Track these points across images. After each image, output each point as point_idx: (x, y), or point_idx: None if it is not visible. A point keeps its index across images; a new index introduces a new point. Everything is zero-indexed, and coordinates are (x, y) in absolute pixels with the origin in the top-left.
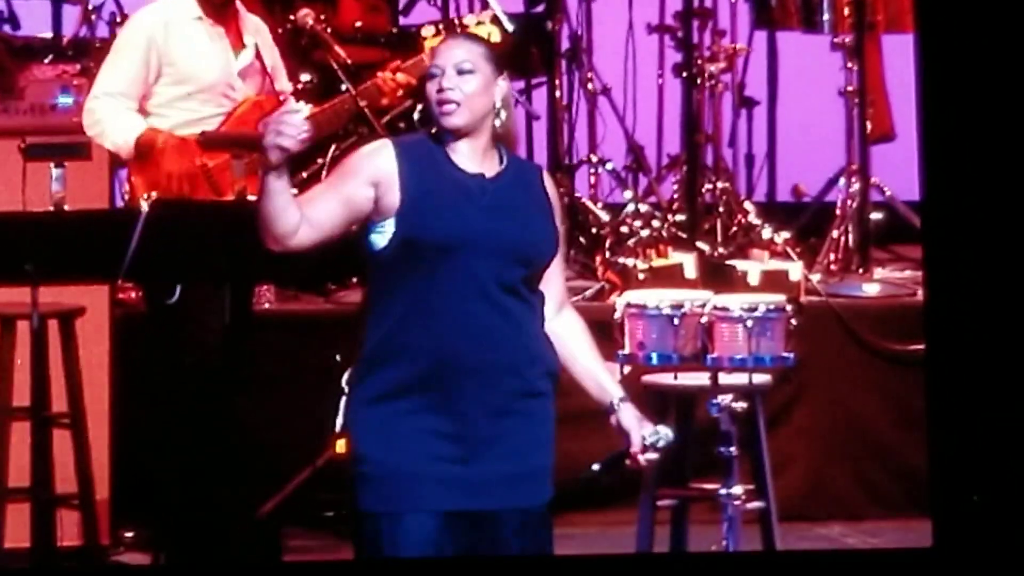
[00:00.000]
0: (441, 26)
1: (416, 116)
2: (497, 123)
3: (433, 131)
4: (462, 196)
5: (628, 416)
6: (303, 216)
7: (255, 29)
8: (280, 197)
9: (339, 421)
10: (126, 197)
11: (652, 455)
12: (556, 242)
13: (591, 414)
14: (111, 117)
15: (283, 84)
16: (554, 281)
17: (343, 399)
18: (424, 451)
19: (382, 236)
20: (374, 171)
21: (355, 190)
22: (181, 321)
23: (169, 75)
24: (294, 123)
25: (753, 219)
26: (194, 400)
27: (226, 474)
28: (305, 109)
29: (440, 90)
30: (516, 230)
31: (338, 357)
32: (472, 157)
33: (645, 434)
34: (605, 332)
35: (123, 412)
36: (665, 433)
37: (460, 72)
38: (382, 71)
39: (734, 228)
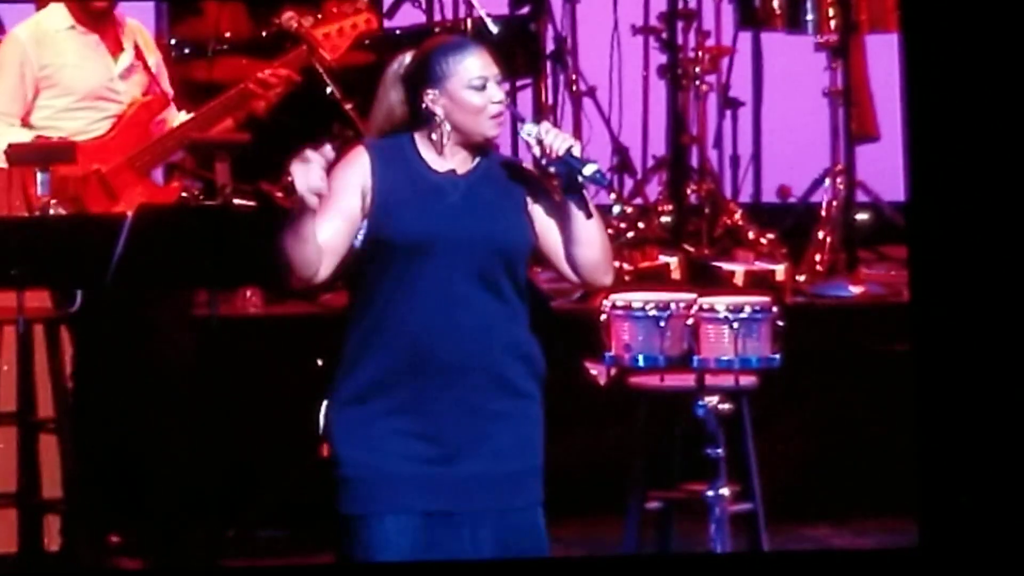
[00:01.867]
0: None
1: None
2: None
3: (412, 133)
4: (430, 194)
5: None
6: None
7: (134, 31)
8: (313, 243)
9: (321, 424)
10: (15, 204)
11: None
12: (530, 235)
13: (578, 416)
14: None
15: (165, 86)
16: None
17: (325, 402)
18: (402, 452)
19: (358, 239)
20: (358, 179)
21: (349, 203)
22: (155, 326)
23: (48, 88)
24: (314, 164)
25: (739, 220)
26: (164, 406)
27: (209, 476)
28: (317, 158)
29: (495, 102)
30: (486, 225)
31: (320, 362)
32: (452, 158)
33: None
34: (591, 334)
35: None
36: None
37: (497, 82)
38: (261, 69)
39: (720, 229)
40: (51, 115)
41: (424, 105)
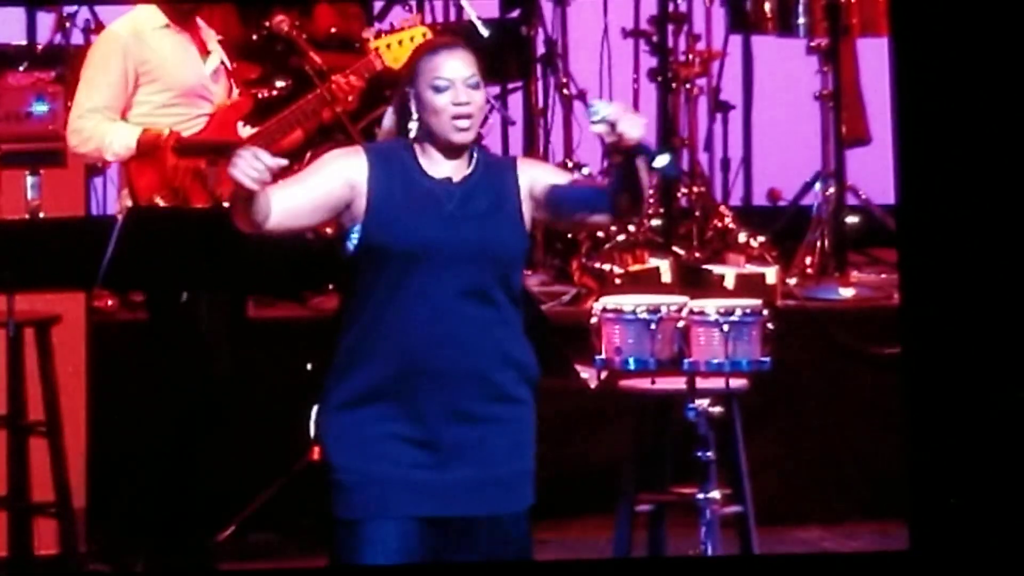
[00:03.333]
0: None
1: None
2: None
3: (410, 138)
4: (428, 203)
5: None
6: (276, 205)
7: (212, 36)
8: (256, 207)
9: (312, 428)
10: (127, 203)
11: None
12: (524, 241)
13: (569, 419)
14: (105, 129)
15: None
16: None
17: (316, 406)
18: (395, 457)
19: (352, 243)
20: (348, 172)
21: (327, 184)
22: (179, 328)
23: (147, 83)
24: (254, 165)
25: (729, 223)
26: (188, 406)
27: (206, 479)
28: (268, 158)
29: (458, 104)
30: (482, 234)
31: (309, 366)
32: (445, 162)
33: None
34: (582, 337)
35: (100, 420)
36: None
37: (469, 86)
38: (333, 76)
39: (710, 232)
40: (149, 111)
41: (405, 103)
